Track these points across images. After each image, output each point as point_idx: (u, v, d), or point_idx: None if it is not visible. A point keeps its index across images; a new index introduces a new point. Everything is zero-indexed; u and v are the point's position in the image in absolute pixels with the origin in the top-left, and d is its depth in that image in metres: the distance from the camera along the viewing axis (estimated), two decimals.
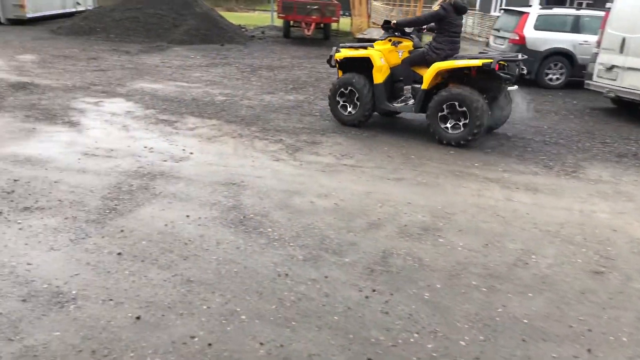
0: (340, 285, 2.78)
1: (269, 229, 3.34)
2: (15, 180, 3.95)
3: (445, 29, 5.59)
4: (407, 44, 5.97)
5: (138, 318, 2.41)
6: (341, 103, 6.15)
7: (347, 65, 6.16)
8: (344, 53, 6.12)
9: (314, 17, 14.36)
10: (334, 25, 16.77)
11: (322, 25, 15.34)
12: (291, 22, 15.85)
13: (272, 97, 7.78)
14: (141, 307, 2.48)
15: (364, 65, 5.93)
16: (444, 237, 3.40)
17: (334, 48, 6.23)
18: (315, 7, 14.31)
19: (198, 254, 3.01)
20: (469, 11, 16.10)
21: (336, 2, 15.04)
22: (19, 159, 4.45)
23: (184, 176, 4.25)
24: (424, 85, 5.59)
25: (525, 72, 5.98)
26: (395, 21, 5.89)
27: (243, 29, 17.20)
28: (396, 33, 5.90)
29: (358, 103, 5.98)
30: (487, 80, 5.43)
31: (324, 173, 4.52)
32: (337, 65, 6.23)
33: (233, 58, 11.65)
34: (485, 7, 23.33)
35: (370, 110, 6.00)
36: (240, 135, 5.62)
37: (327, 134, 5.85)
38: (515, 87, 5.89)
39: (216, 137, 5.50)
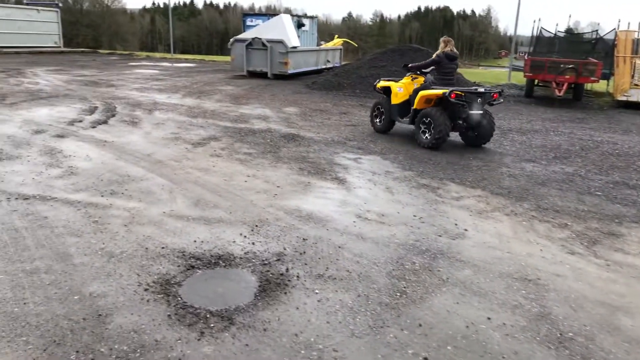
0: None
1: None
2: (304, 240, 4.00)
3: (440, 70, 7.83)
4: (420, 79, 8.17)
5: None
6: (376, 117, 8.99)
7: (385, 91, 8.78)
8: (381, 84, 8.94)
9: (568, 76, 12.97)
10: (587, 85, 14.96)
11: (574, 85, 13.79)
12: (537, 81, 14.66)
13: (533, 167, 6.94)
14: None
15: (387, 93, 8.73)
16: None
17: (378, 80, 9.20)
18: (571, 66, 12.91)
19: None
20: None
21: (596, 60, 13.37)
22: (302, 215, 4.58)
23: (466, 260, 3.78)
24: (414, 106, 7.94)
25: (498, 101, 7.90)
26: (410, 65, 8.32)
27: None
28: (417, 72, 8.21)
29: (384, 117, 8.75)
30: (453, 104, 7.41)
31: None
32: (380, 91, 8.95)
33: None
34: None
35: (390, 122, 8.70)
36: (513, 212, 4.97)
37: (624, 222, 4.78)
38: (478, 111, 7.54)
39: (487, 212, 4.95)
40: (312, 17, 21.79)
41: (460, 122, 7.65)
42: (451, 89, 7.33)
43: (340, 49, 21.87)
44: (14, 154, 6.19)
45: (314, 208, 4.79)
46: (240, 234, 4.06)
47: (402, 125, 8.68)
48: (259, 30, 18.51)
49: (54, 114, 9.19)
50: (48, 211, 4.31)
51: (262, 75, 18.10)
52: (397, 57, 15.86)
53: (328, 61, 20.64)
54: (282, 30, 17.77)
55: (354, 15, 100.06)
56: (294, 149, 7.40)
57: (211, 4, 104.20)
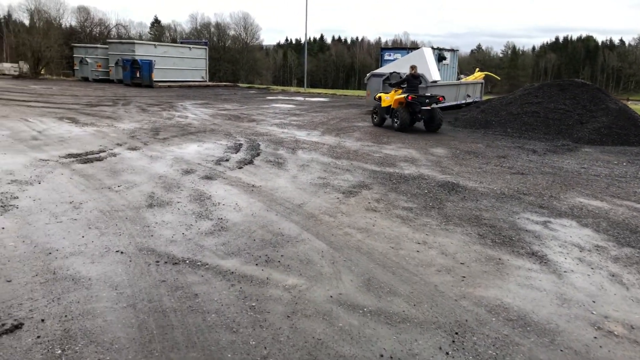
0: None
1: None
2: None
3: (409, 86, 12.70)
4: (399, 91, 12.74)
5: None
6: (374, 117, 13.80)
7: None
8: (378, 95, 13.72)
9: None
10: None
11: None
12: None
13: None
14: None
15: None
16: None
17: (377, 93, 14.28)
18: None
19: None
20: None
21: None
22: (512, 317, 3.31)
23: None
24: (393, 107, 12.89)
25: (442, 102, 12.77)
26: (391, 83, 13.20)
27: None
28: (398, 87, 12.85)
29: (377, 116, 13.56)
30: (411, 104, 12.37)
31: None
32: (378, 100, 13.60)
33: None
34: None
35: (382, 119, 13.50)
36: None
37: None
38: (429, 107, 12.36)
39: None
40: (453, 51, 20.45)
41: (419, 115, 12.45)
42: (408, 94, 12.41)
43: (482, 83, 20.15)
44: (165, 198, 5.77)
45: (524, 305, 3.49)
46: (440, 348, 2.91)
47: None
48: (398, 64, 17.63)
49: (202, 151, 8.99)
50: (199, 285, 3.57)
51: None
52: (557, 92, 13.85)
53: (468, 96, 19.06)
54: (423, 63, 16.68)
55: (484, 48, 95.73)
56: (460, 204, 6.13)
57: (339, 39, 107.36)
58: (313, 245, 4.50)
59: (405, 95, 12.39)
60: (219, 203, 5.69)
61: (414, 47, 20.90)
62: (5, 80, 29.56)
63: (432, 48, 17.96)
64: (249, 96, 25.23)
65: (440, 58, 18.39)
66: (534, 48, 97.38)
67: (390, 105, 12.95)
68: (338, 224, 5.17)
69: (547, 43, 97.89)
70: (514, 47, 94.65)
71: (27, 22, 64.90)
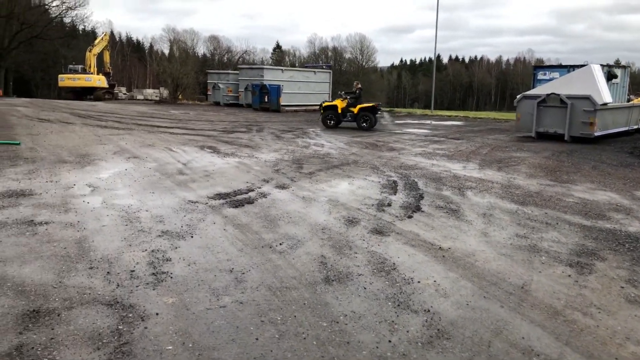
0: None
1: None
2: None
3: (357, 97, 17.90)
4: (345, 100, 17.86)
5: None
6: (328, 120, 18.13)
7: (327, 108, 18.35)
8: (326, 104, 18.83)
9: None
10: None
11: None
12: None
13: None
14: None
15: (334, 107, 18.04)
16: None
17: (323, 101, 21.31)
18: None
19: None
20: None
21: None
22: None
23: None
24: (354, 112, 17.73)
25: (379, 109, 18.25)
26: (343, 93, 18.58)
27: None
28: (345, 97, 17.98)
29: (334, 120, 18.06)
30: (366, 110, 17.70)
31: None
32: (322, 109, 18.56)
33: None
34: None
35: (338, 121, 18.02)
36: None
37: None
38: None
39: None
40: (624, 67, 17.27)
41: (365, 117, 17.70)
42: (371, 104, 17.94)
43: None
44: (340, 267, 4.42)
45: None
46: None
47: None
48: (556, 84, 15.12)
49: (355, 190, 7.67)
50: None
51: (553, 138, 14.68)
52: None
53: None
54: (591, 83, 14.04)
55: (622, 63, 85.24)
56: None
57: (456, 58, 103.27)
58: None
59: (368, 104, 17.93)
60: (411, 279, 4.20)
61: (573, 65, 18.02)
62: (148, 105, 31.68)
63: (602, 65, 15.14)
64: None
65: (609, 76, 15.49)
66: None
67: (340, 111, 17.90)
68: (606, 333, 3.38)
69: None
70: None
71: (166, 51, 71.16)
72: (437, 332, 3.30)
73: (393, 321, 3.44)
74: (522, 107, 15.47)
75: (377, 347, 3.09)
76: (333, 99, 18.40)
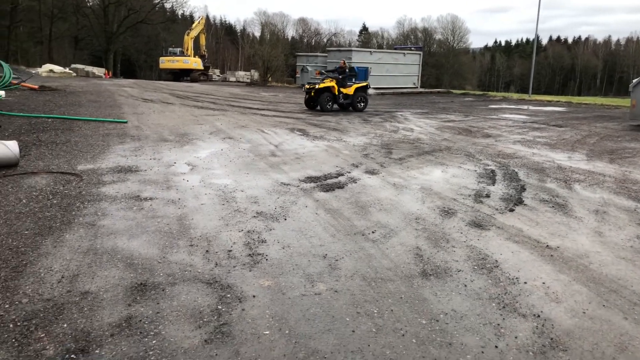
0: None
1: None
2: None
3: (344, 76, 16.29)
4: (334, 81, 16.10)
5: None
6: (327, 104, 16.24)
7: (323, 90, 16.19)
8: (316, 85, 16.51)
9: None
10: None
11: None
12: None
13: None
14: None
15: (329, 89, 16.10)
16: None
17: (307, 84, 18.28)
18: None
19: None
20: None
21: None
22: None
23: None
24: (351, 92, 16.53)
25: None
26: (324, 72, 17.48)
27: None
28: (333, 77, 16.19)
29: (332, 102, 16.33)
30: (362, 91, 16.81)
31: None
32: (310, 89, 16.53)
33: None
34: None
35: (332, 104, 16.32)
36: None
37: None
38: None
39: None
40: None
41: (363, 97, 16.98)
42: (365, 83, 17.29)
43: None
44: (438, 261, 4.19)
45: None
46: None
47: None
48: None
49: (449, 179, 7.30)
50: None
51: None
52: None
53: None
54: None
55: None
56: None
57: (558, 39, 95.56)
58: None
59: (361, 83, 17.06)
60: (516, 279, 3.87)
61: None
62: (240, 87, 32.78)
63: None
64: (467, 104, 22.84)
65: None
66: None
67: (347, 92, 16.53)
68: None
69: None
70: None
71: (257, 34, 73.11)
72: (550, 342, 2.99)
73: (499, 324, 3.17)
74: (638, 93, 13.87)
75: (482, 352, 2.86)
76: (322, 81, 16.34)
